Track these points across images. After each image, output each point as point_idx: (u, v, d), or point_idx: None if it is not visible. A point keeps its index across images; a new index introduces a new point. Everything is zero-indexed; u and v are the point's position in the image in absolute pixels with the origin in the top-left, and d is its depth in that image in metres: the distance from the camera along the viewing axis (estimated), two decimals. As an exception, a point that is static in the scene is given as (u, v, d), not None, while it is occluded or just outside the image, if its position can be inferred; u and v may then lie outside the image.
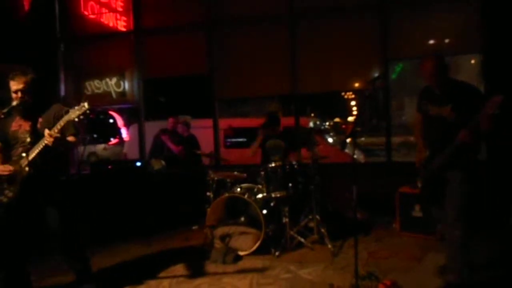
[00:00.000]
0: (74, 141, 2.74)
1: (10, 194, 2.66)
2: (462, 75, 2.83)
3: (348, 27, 4.98)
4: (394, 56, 4.89)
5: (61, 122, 2.52)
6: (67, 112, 2.54)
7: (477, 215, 2.75)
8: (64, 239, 2.77)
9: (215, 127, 5.52)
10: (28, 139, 2.67)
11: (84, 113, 2.49)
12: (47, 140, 2.51)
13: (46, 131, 2.52)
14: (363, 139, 13.28)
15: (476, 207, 2.75)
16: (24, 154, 2.64)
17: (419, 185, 2.88)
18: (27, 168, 2.61)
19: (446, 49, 4.67)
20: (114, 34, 5.83)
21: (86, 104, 2.49)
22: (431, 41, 4.77)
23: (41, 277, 3.17)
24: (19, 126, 2.74)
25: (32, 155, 2.61)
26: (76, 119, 2.51)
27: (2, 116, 2.62)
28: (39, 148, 2.58)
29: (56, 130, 2.52)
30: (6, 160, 2.73)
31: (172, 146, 5.45)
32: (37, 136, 2.64)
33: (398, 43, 4.76)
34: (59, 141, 2.53)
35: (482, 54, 4.51)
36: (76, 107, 2.50)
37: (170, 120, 5.68)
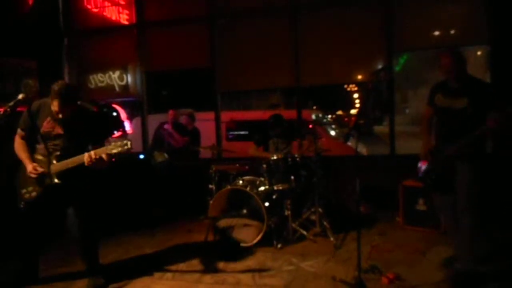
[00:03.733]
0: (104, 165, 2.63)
1: (34, 194, 2.69)
2: (468, 67, 2.80)
3: (352, 18, 4.91)
4: (398, 48, 4.83)
5: (102, 152, 2.49)
6: (110, 143, 2.51)
7: (485, 209, 2.76)
8: (82, 235, 2.81)
9: (217, 120, 5.51)
10: (62, 144, 2.65)
11: (125, 152, 2.46)
12: (86, 160, 2.49)
13: (91, 153, 2.49)
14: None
15: (485, 201, 2.77)
16: (54, 162, 2.64)
17: (422, 169, 2.90)
18: (56, 180, 2.63)
19: (452, 40, 4.60)
20: (117, 27, 5.82)
21: (129, 144, 2.44)
22: (437, 33, 4.69)
23: (48, 267, 3.22)
24: (52, 129, 2.70)
25: (65, 166, 2.60)
26: (114, 154, 2.48)
27: (8, 110, 2.61)
28: (74, 163, 2.57)
29: (96, 156, 2.49)
30: (31, 152, 2.73)
31: (177, 137, 5.47)
32: (71, 143, 2.64)
33: (403, 35, 4.69)
34: (95, 164, 2.51)
35: (489, 45, 4.44)
36: (119, 143, 2.47)
37: (170, 112, 5.68)
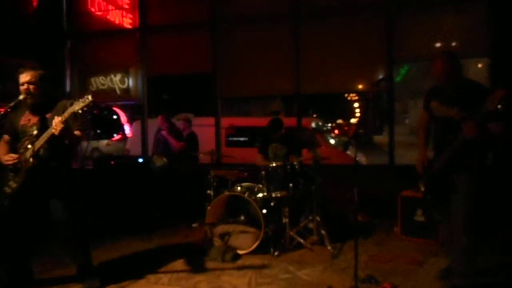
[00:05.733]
0: (80, 135, 2.75)
1: (14, 185, 2.68)
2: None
3: (353, 27, 4.96)
4: (399, 58, 4.87)
5: (66, 114, 2.52)
6: (71, 104, 2.55)
7: (484, 221, 2.71)
8: (68, 231, 2.80)
9: (217, 125, 5.53)
10: (35, 132, 2.68)
11: (87, 105, 2.49)
12: (54, 128, 2.51)
13: (56, 118, 2.52)
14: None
15: (484, 213, 2.71)
16: (29, 146, 2.66)
17: (422, 187, 2.80)
18: (31, 159, 2.63)
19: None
20: (119, 31, 5.87)
21: (90, 97, 2.49)
22: (438, 44, 4.73)
23: (43, 270, 3.19)
24: (28, 121, 2.77)
25: (37, 145, 2.62)
26: (80, 111, 2.51)
27: (9, 110, 2.64)
28: (45, 139, 2.60)
29: (63, 119, 2.52)
30: (12, 153, 2.75)
31: (173, 142, 5.45)
32: (44, 130, 2.65)
33: (404, 45, 4.74)
34: (65, 131, 2.53)
35: (490, 58, 4.47)
36: (80, 100, 2.51)
37: (159, 118, 5.58)
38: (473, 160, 2.54)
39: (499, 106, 2.23)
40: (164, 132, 5.50)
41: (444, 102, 2.63)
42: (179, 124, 5.72)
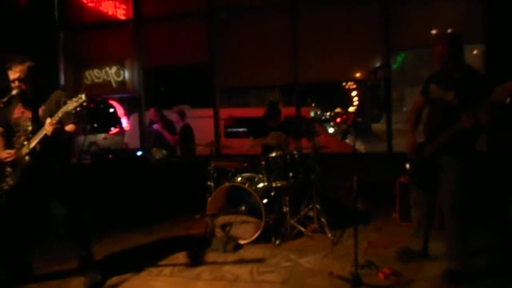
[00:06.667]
0: (74, 129, 2.74)
1: (11, 182, 2.67)
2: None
3: (350, 16, 4.91)
4: (396, 46, 4.84)
5: (59, 113, 2.52)
6: (65, 103, 2.53)
7: (476, 207, 2.74)
8: (68, 226, 2.80)
9: (216, 116, 5.50)
10: (30, 128, 2.67)
11: (81, 105, 2.48)
12: (46, 129, 2.52)
13: (48, 120, 2.53)
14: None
15: (475, 199, 2.73)
16: (25, 143, 2.65)
17: (408, 168, 2.87)
18: (27, 157, 2.63)
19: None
20: (113, 22, 5.77)
21: (83, 96, 2.48)
22: (433, 31, 4.70)
23: (44, 265, 3.20)
24: (22, 114, 2.76)
25: (32, 144, 2.62)
26: (73, 111, 2.50)
27: (2, 105, 2.62)
28: (39, 138, 2.59)
29: (54, 121, 2.52)
30: (8, 147, 2.75)
31: (169, 136, 5.44)
32: (39, 124, 2.64)
33: (401, 33, 4.71)
34: (58, 131, 2.53)
35: (484, 44, 4.46)
36: (74, 99, 2.50)
37: (151, 110, 5.57)
38: (461, 146, 2.55)
39: (507, 100, 2.18)
40: (158, 126, 5.49)
41: (442, 86, 2.63)
42: (173, 117, 5.70)
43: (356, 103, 23.37)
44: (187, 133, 5.60)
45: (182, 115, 5.74)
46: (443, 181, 2.64)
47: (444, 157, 2.61)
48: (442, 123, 2.58)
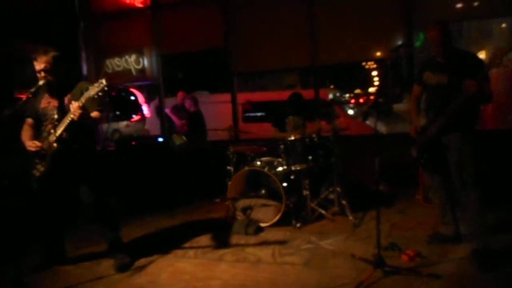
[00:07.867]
0: (99, 116, 2.81)
1: (42, 169, 2.78)
2: (493, 39, 2.69)
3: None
4: (418, 23, 4.63)
5: (82, 99, 2.58)
6: (87, 89, 2.60)
7: (484, 188, 2.68)
8: (96, 211, 2.91)
9: (234, 101, 5.50)
10: (56, 116, 2.75)
11: (102, 90, 2.54)
12: (73, 113, 2.59)
13: (73, 104, 2.59)
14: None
15: (483, 180, 2.68)
16: (52, 131, 2.74)
17: (414, 152, 2.91)
18: (55, 144, 2.72)
19: (474, 13, 4.38)
20: (131, 10, 5.81)
21: (104, 81, 2.53)
22: (459, 5, 4.47)
23: (75, 248, 3.35)
24: (48, 103, 2.84)
25: (59, 130, 2.70)
26: (96, 96, 2.56)
27: (30, 96, 2.70)
28: (66, 124, 2.67)
29: (80, 103, 2.58)
30: (37, 136, 2.84)
31: (176, 120, 5.52)
32: (64, 113, 2.71)
33: (423, 8, 4.50)
34: (84, 115, 2.60)
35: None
36: (95, 84, 2.56)
37: (179, 94, 5.70)
38: (465, 122, 2.63)
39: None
40: (167, 110, 5.57)
41: (436, 71, 2.72)
42: (186, 103, 5.77)
43: (376, 83, 22.76)
44: (197, 118, 5.65)
45: (194, 100, 5.80)
46: (450, 159, 2.69)
47: (449, 135, 2.67)
48: (442, 104, 2.65)
